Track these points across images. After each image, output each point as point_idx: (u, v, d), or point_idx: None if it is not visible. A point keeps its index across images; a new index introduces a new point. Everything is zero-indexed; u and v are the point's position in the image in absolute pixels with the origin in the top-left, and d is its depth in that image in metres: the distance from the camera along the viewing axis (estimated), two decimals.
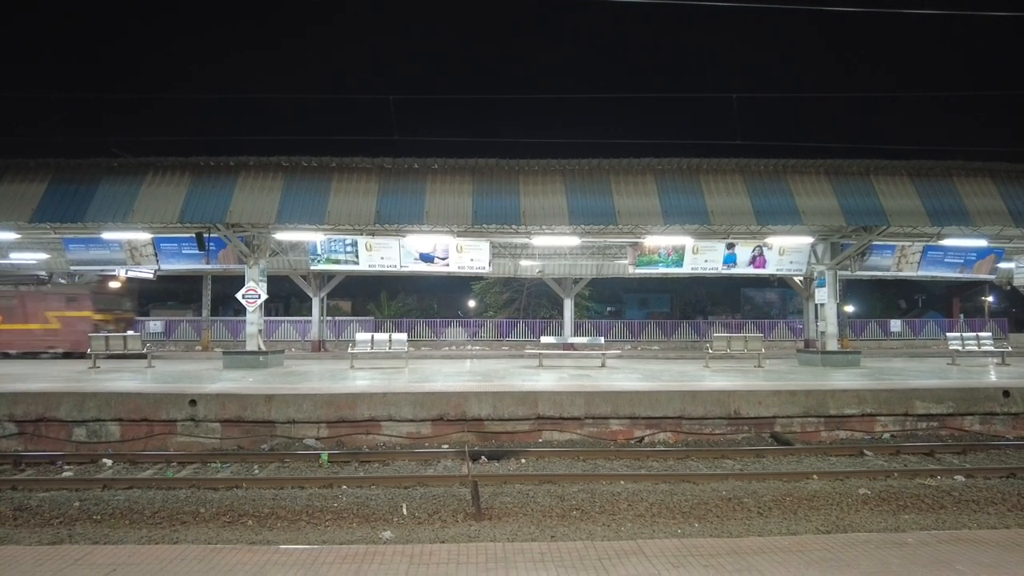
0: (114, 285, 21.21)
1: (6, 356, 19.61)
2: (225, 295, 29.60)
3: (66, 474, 8.54)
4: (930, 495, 7.24)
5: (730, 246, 16.54)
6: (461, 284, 37.26)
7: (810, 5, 11.11)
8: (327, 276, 24.20)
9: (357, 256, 16.03)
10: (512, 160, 14.70)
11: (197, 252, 15.35)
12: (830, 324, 16.33)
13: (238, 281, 16.05)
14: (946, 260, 17.49)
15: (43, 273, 20.92)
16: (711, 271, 16.96)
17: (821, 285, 16.61)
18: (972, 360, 17.77)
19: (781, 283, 23.29)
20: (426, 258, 16.20)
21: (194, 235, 14.95)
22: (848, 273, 17.80)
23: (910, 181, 14.82)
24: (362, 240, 15.88)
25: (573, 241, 16.52)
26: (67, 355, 19.01)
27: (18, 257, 20.04)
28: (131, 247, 16.20)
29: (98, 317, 20.17)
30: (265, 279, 15.91)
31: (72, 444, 9.88)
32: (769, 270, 17.24)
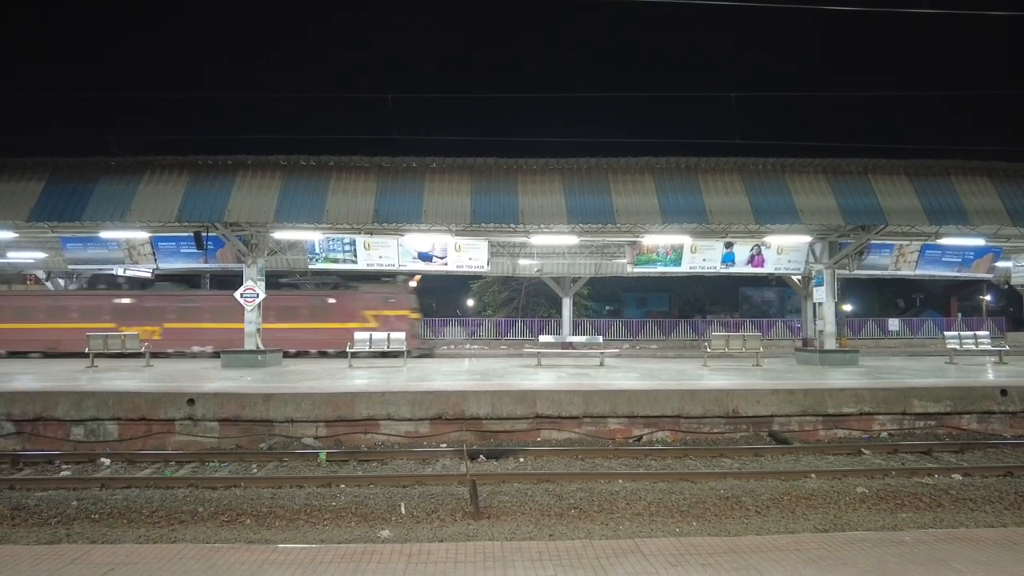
0: (412, 284, 21.79)
1: (324, 355, 20.19)
2: None
3: (64, 473, 8.53)
4: (928, 494, 7.26)
5: (728, 245, 16.54)
6: (460, 283, 37.30)
7: (809, 4, 11.10)
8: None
9: (355, 255, 15.99)
10: (511, 159, 14.70)
11: (195, 251, 15.31)
12: (828, 323, 16.35)
13: (236, 280, 16.04)
14: (944, 259, 17.50)
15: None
16: (709, 270, 16.94)
17: (819, 284, 16.62)
18: (970, 359, 17.81)
19: (779, 282, 23.32)
20: (424, 257, 16.18)
21: (192, 234, 14.93)
22: (846, 272, 17.82)
23: (908, 180, 14.83)
24: (360, 239, 15.85)
25: (571, 240, 16.52)
26: (384, 354, 19.18)
27: (15, 256, 19.99)
28: (129, 246, 16.16)
29: (414, 316, 20.96)
30: (263, 278, 15.90)
31: (70, 443, 9.86)
32: (767, 269, 17.24)
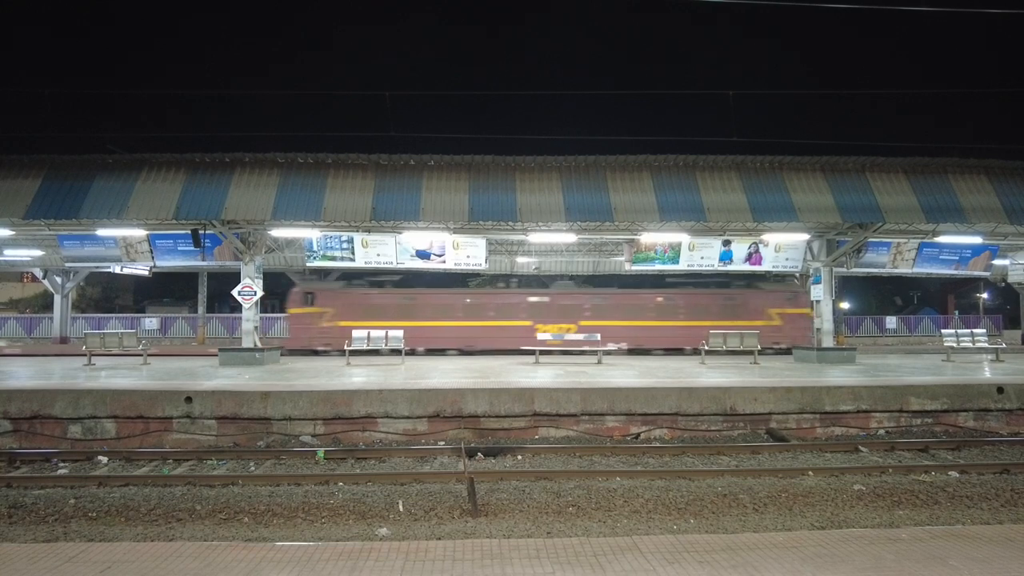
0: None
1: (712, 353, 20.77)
2: (221, 292, 29.51)
3: (61, 471, 8.51)
4: (924, 491, 7.28)
5: (726, 243, 16.55)
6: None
7: (808, 2, 11.09)
8: (323, 273, 24.14)
9: (353, 253, 15.99)
10: (508, 157, 14.69)
11: (193, 249, 15.29)
12: (826, 321, 16.38)
13: (234, 278, 16.01)
14: (941, 257, 17.56)
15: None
16: (707, 268, 16.97)
17: (817, 282, 16.65)
18: (966, 356, 17.85)
19: (777, 280, 23.35)
20: (422, 255, 16.17)
21: (190, 232, 14.90)
22: (844, 270, 17.87)
23: (906, 178, 14.86)
24: (358, 237, 15.84)
25: (569, 238, 16.51)
26: (788, 351, 19.23)
27: (12, 254, 19.95)
28: (126, 243, 16.13)
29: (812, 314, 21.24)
30: (261, 276, 15.87)
31: (67, 441, 9.84)
32: (765, 267, 17.27)
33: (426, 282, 23.50)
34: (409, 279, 22.17)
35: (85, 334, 15.56)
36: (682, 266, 16.79)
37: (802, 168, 14.92)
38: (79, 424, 9.92)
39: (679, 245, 16.47)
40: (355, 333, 16.04)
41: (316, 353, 20.41)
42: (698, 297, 21.82)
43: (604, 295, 22.32)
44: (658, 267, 17.12)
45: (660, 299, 22.04)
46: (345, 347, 15.83)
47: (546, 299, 21.72)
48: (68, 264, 17.69)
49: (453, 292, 22.99)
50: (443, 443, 9.80)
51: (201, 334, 26.31)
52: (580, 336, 18.83)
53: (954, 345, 17.16)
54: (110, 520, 6.58)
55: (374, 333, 16.07)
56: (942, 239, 16.50)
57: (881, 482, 7.62)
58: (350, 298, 21.25)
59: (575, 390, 10.44)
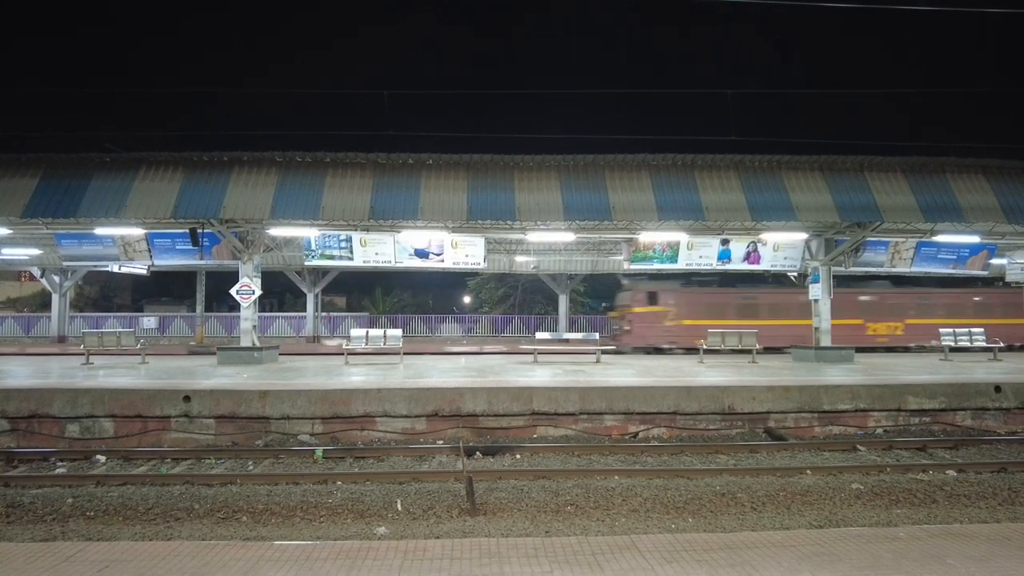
0: None
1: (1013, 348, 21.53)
2: (219, 291, 29.50)
3: (59, 471, 8.51)
4: (922, 490, 7.29)
5: (725, 242, 16.55)
6: (456, 280, 37.34)
7: (808, 2, 11.09)
8: (322, 272, 24.20)
9: (351, 252, 15.96)
10: (507, 155, 14.68)
11: (191, 247, 15.24)
12: (824, 320, 16.40)
13: (232, 277, 16.00)
14: (939, 256, 17.56)
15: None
16: (706, 267, 16.98)
17: (815, 281, 16.67)
18: (964, 355, 17.90)
19: (775, 279, 23.41)
20: (421, 254, 16.15)
21: (188, 231, 14.87)
22: (842, 269, 17.85)
23: (904, 177, 14.89)
24: (356, 236, 15.81)
25: (568, 237, 16.51)
26: None
27: (10, 253, 19.91)
28: (124, 242, 16.08)
29: None
30: (259, 275, 15.85)
31: (65, 440, 9.82)
32: (763, 266, 17.27)
33: (761, 282, 23.57)
34: (731, 278, 22.25)
35: (83, 333, 15.53)
36: (681, 265, 16.79)
37: (800, 167, 14.93)
38: (77, 423, 9.91)
39: (677, 244, 16.47)
40: (354, 332, 16.05)
41: (659, 351, 20.63)
42: (992, 296, 22.68)
43: (926, 295, 22.79)
44: (657, 266, 17.12)
45: (977, 298, 22.78)
46: (344, 345, 15.82)
47: (875, 298, 22.24)
48: (66, 263, 17.65)
49: (789, 291, 22.63)
50: (441, 442, 9.80)
51: (200, 333, 26.27)
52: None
53: (952, 344, 17.21)
54: (108, 519, 6.58)
55: (372, 332, 16.10)
56: (940, 238, 16.52)
57: (879, 481, 7.64)
58: (692, 297, 21.43)
59: (573, 389, 10.45)
